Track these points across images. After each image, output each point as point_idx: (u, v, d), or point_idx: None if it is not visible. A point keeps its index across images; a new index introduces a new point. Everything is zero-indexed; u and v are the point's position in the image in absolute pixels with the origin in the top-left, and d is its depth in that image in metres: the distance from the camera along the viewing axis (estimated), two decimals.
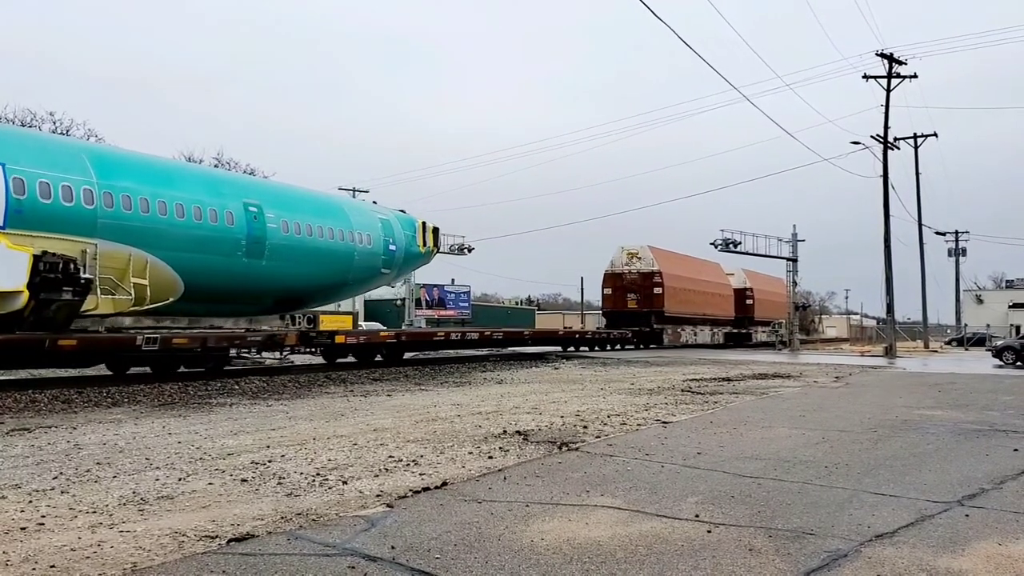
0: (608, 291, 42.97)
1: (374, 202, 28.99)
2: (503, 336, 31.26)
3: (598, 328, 43.95)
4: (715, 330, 49.27)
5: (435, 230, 29.19)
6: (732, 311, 51.91)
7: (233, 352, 20.16)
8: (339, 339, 21.30)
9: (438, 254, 31.82)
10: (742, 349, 46.63)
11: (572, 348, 35.53)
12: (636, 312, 41.45)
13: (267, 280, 21.25)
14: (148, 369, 18.39)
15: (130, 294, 17.31)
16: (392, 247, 25.86)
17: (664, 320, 41.83)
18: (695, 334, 46.15)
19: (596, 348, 36.79)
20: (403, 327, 51.21)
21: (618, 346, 38.91)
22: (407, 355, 27.33)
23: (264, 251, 20.73)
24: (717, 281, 50.32)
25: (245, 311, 22.72)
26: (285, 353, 22.08)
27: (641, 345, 40.77)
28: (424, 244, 28.27)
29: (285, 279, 21.76)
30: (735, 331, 52.74)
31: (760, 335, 56.35)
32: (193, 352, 17.98)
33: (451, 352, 30.39)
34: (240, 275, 20.32)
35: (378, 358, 24.27)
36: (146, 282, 17.66)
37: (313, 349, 22.37)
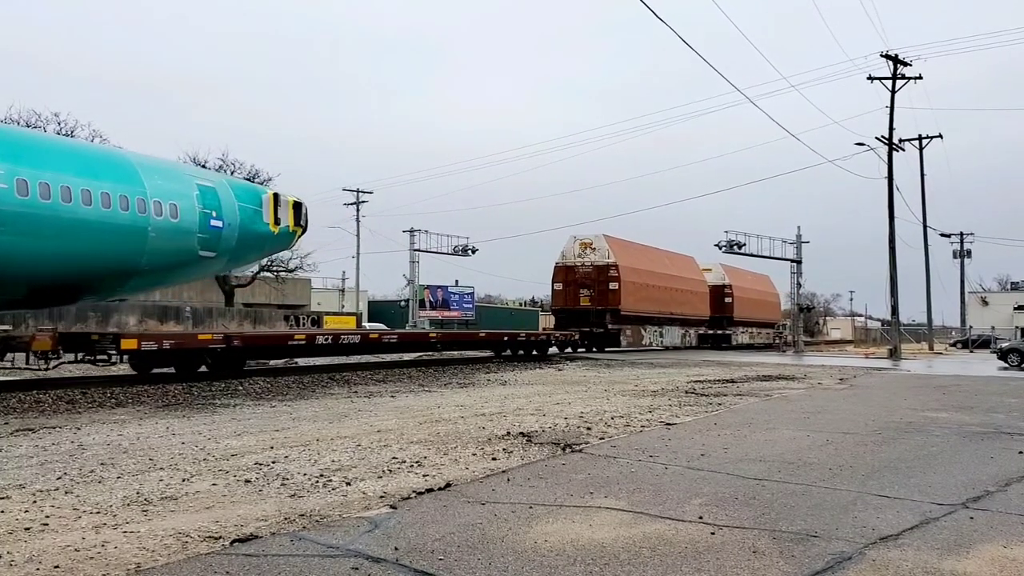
0: (559, 286, 37.52)
1: (203, 165, 21.84)
2: (397, 340, 25.54)
3: (545, 329, 37.86)
4: (686, 330, 44.47)
5: (296, 205, 22.33)
6: (707, 310, 46.82)
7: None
8: (127, 343, 15.91)
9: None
10: (720, 351, 42.95)
11: (509, 352, 29.81)
12: (589, 310, 36.26)
13: None
14: None
15: None
16: (216, 223, 19.40)
17: (621, 319, 36.83)
18: (661, 335, 41.46)
19: (535, 352, 30.80)
20: (406, 328, 51.29)
21: (568, 349, 33.55)
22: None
23: None
24: (688, 276, 45.01)
25: None
26: (43, 364, 15.86)
27: (594, 348, 36.04)
28: (277, 222, 21.51)
29: (28, 262, 15.70)
30: (711, 332, 47.72)
31: (742, 337, 51.98)
32: None
33: (320, 360, 24.25)
34: None
35: (203, 368, 18.36)
36: None
37: (101, 357, 16.34)
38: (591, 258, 36.73)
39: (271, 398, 14.13)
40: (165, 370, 17.89)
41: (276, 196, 21.63)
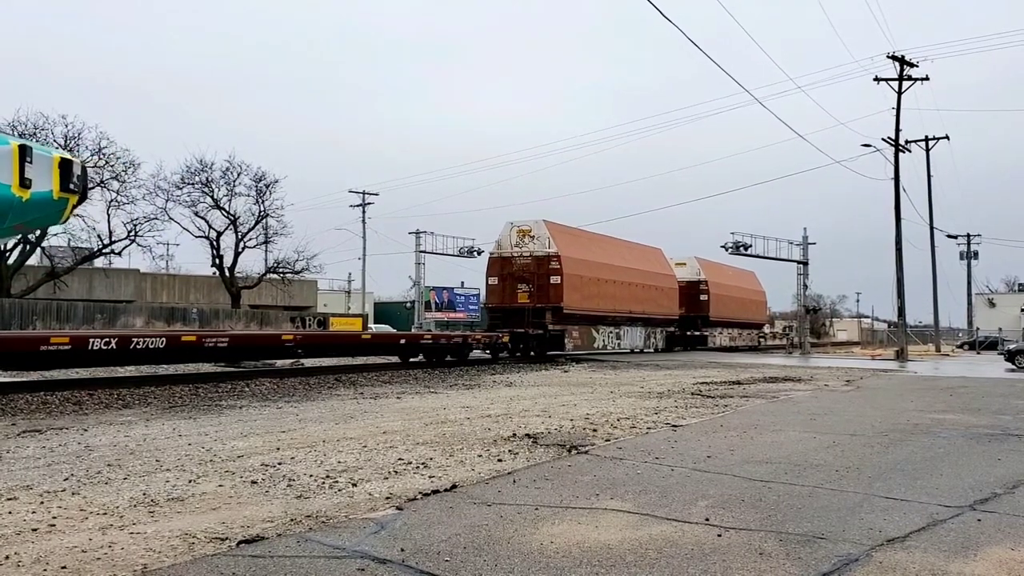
0: (493, 281, 32.06)
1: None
2: (228, 344, 17.86)
3: (471, 331, 31.88)
4: (650, 331, 39.53)
5: (65, 163, 11.61)
6: (676, 308, 41.87)
7: None
8: None
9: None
10: (698, 353, 39.63)
11: (421, 357, 25.06)
12: (526, 308, 30.97)
13: None
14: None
15: None
16: None
17: (564, 319, 31.60)
18: (617, 336, 36.60)
19: (450, 358, 25.58)
20: (412, 329, 51.33)
21: (503, 354, 28.76)
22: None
23: None
24: (654, 271, 39.70)
25: None
26: None
27: (532, 352, 30.49)
28: (26, 184, 11.58)
29: None
30: (681, 333, 43.18)
31: (720, 338, 47.65)
32: None
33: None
34: None
35: None
36: None
37: None
38: (530, 248, 31.46)
39: (277, 399, 14.15)
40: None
41: (24, 148, 12.59)
